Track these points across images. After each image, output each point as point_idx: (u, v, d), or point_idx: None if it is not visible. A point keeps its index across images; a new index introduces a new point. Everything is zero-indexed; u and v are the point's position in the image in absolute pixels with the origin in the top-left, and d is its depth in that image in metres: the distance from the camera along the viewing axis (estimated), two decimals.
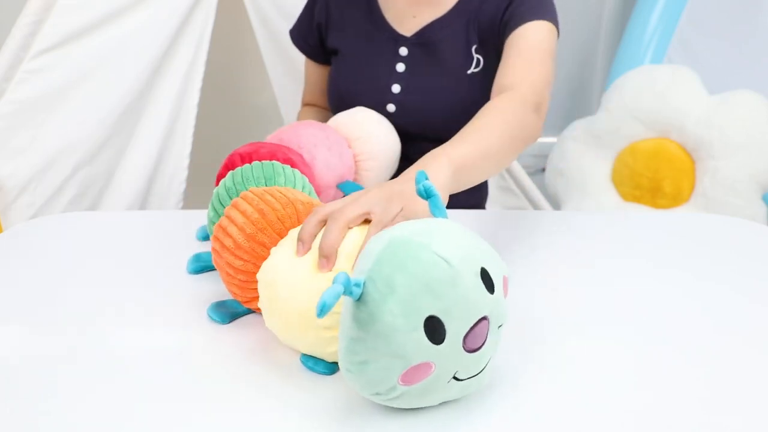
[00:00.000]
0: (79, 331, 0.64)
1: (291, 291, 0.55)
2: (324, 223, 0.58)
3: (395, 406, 0.51)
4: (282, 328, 0.57)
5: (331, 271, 0.54)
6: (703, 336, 0.65)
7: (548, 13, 1.01)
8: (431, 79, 1.07)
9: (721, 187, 1.68)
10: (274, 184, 0.72)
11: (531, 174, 1.97)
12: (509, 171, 1.68)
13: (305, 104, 1.27)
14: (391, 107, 1.08)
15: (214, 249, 0.64)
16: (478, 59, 1.06)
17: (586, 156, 1.85)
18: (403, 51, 1.08)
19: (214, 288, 0.73)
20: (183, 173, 1.42)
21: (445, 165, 0.68)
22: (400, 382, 0.47)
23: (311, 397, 0.54)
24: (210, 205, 0.75)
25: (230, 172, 0.75)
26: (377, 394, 0.49)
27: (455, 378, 0.49)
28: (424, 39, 1.08)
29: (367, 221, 0.58)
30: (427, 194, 0.54)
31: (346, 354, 0.48)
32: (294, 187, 0.73)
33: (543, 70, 0.94)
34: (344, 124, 1.02)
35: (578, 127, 1.88)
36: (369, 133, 1.02)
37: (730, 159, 1.68)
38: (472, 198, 1.18)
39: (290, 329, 0.56)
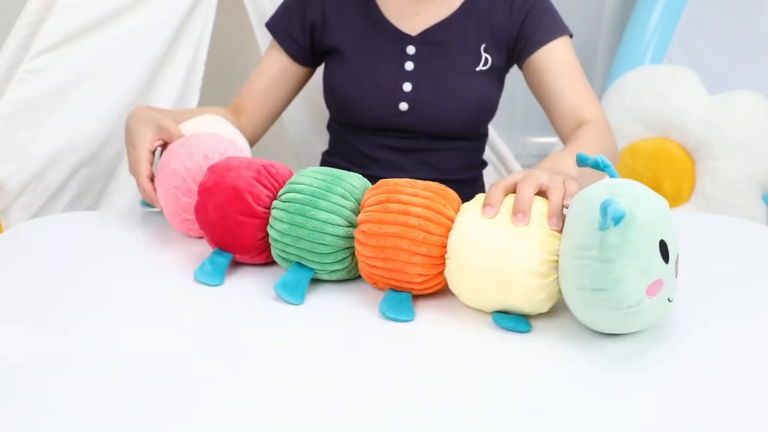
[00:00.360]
0: (79, 331, 0.64)
1: (495, 248, 0.63)
2: (506, 192, 0.68)
3: (629, 326, 0.61)
4: (482, 287, 0.64)
5: (527, 225, 0.63)
6: (703, 335, 0.65)
7: (563, 25, 1.09)
8: (442, 77, 1.07)
9: (721, 187, 1.68)
10: (371, 181, 0.76)
11: None
12: (509, 171, 1.68)
13: (233, 106, 1.16)
14: (403, 106, 1.08)
15: (383, 236, 0.66)
16: (486, 58, 1.08)
17: None
18: (411, 49, 1.08)
19: (215, 288, 0.73)
20: None
21: (573, 164, 0.80)
22: (646, 295, 0.58)
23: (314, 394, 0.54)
24: (283, 213, 0.71)
25: (308, 173, 0.74)
26: (628, 307, 0.58)
27: (668, 299, 0.60)
28: (431, 38, 1.08)
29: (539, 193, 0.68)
30: (603, 165, 0.65)
31: (599, 275, 0.57)
32: None
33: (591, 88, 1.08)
34: (224, 134, 0.93)
35: None
36: (243, 143, 0.98)
37: (730, 159, 1.68)
38: (471, 197, 1.18)
39: (494, 286, 0.63)
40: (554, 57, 1.06)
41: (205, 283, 0.74)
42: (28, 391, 0.54)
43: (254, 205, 0.74)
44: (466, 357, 0.62)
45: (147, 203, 0.92)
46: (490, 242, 0.63)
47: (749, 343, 0.64)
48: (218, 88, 1.57)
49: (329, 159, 1.20)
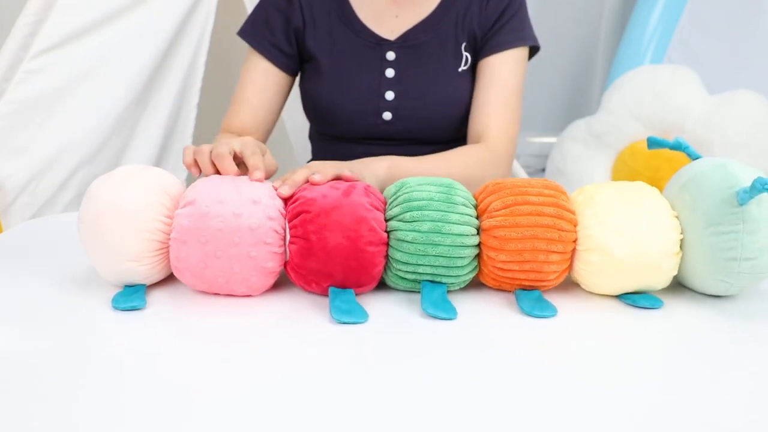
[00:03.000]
0: (79, 332, 0.64)
1: (639, 235, 0.68)
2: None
3: (756, 285, 0.71)
4: (625, 274, 0.69)
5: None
6: (703, 334, 0.65)
7: (527, 36, 1.06)
8: (425, 82, 1.04)
9: None
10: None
11: (531, 174, 1.98)
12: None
13: (238, 131, 1.07)
14: (387, 115, 1.04)
15: (521, 239, 0.67)
16: (466, 57, 1.05)
17: (586, 156, 1.85)
18: (390, 55, 1.04)
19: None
20: (183, 173, 1.43)
21: (386, 167, 0.86)
22: None
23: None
24: (415, 234, 0.66)
25: (415, 186, 0.69)
26: None
27: None
28: (411, 41, 1.05)
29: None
30: (684, 146, 0.83)
31: (748, 245, 0.65)
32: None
33: (517, 118, 1.05)
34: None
35: (578, 127, 1.88)
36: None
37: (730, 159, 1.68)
38: None
39: (639, 271, 0.68)
40: (501, 69, 1.04)
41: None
42: (27, 391, 0.54)
43: (380, 231, 0.67)
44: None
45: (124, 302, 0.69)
46: (632, 231, 0.68)
47: (750, 342, 0.64)
48: (218, 88, 1.57)
49: None
